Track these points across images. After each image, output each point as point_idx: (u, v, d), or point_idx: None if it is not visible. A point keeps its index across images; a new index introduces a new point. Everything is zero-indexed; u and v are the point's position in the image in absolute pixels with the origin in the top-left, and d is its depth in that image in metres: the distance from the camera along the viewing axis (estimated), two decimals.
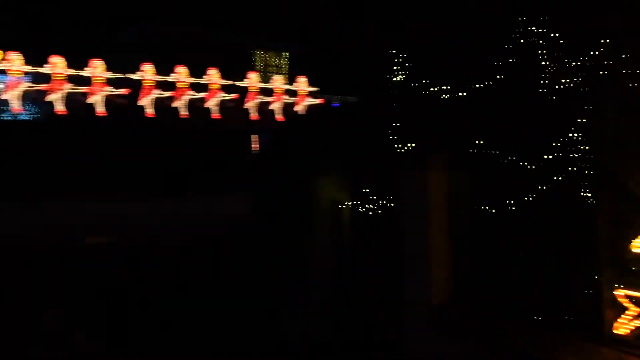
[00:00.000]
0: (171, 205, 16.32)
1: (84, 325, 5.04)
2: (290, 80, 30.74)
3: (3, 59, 20.96)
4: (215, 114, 25.97)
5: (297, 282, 5.14)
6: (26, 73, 22.07)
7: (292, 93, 29.08)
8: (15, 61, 21.24)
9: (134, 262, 8.97)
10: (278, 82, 28.90)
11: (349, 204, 4.70)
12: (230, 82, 26.53)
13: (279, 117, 27.84)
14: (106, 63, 23.64)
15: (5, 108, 30.83)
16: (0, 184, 17.01)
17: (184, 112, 25.11)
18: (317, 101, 30.34)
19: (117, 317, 5.26)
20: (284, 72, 33.09)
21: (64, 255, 9.44)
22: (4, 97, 23.77)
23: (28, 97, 24.19)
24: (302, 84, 29.26)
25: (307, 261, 5.05)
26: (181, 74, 25.30)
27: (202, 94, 25.85)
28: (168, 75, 25.07)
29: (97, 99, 23.12)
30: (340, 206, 4.81)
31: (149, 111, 24.31)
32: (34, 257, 9.26)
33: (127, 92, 24.11)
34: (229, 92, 26.55)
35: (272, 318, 5.10)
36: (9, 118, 30.65)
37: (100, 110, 23.23)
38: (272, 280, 5.54)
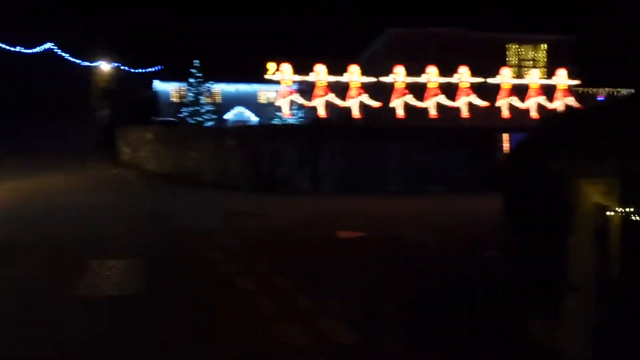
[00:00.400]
0: (417, 203, 16.44)
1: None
2: (549, 74, 28.39)
3: (277, 70, 23.72)
4: (465, 113, 25.41)
5: (549, 291, 4.66)
6: (294, 81, 24.68)
7: (550, 88, 26.75)
8: (286, 71, 23.88)
9: (386, 257, 9.21)
10: (534, 76, 26.86)
11: (620, 210, 4.02)
12: (481, 79, 25.62)
13: (534, 114, 25.91)
14: (361, 68, 25.01)
15: (277, 113, 35.12)
16: (269, 180, 19.38)
17: (433, 113, 25.15)
18: (580, 94, 27.36)
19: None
20: (540, 65, 30.74)
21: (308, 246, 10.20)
22: (276, 103, 27.04)
23: (295, 103, 27.12)
24: (561, 77, 26.67)
25: (564, 270, 4.50)
26: (431, 75, 25.29)
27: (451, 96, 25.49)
28: (419, 76, 25.32)
29: (354, 103, 24.64)
30: (607, 212, 4.16)
31: (400, 112, 24.99)
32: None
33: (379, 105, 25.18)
34: (480, 90, 25.71)
35: (520, 326, 4.73)
36: (279, 122, 34.82)
37: (356, 113, 24.71)
38: (519, 285, 5.11)
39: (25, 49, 49.39)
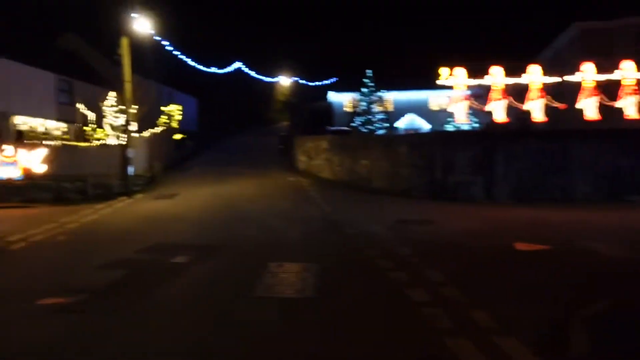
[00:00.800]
0: (609, 214, 14.70)
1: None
2: None
3: (450, 74, 23.13)
4: None
5: None
6: (468, 86, 23.81)
7: None
8: (460, 76, 23.16)
9: (572, 273, 8.37)
10: None
11: None
12: None
13: None
14: (542, 68, 23.28)
15: (449, 120, 34.22)
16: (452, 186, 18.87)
17: (630, 113, 22.41)
18: None
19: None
20: None
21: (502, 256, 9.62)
22: (449, 109, 26.35)
23: (470, 108, 26.13)
24: None
25: None
26: (627, 70, 22.55)
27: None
28: (611, 72, 22.76)
29: (535, 106, 23.01)
30: None
31: (589, 114, 22.72)
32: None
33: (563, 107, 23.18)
34: None
35: None
36: (452, 128, 33.84)
37: (536, 116, 23.05)
38: None
39: (219, 69, 55.09)
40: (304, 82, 63.68)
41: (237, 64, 58.07)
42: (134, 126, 22.88)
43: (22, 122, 30.09)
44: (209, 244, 11.01)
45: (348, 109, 46.48)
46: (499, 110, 23.17)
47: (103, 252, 10.41)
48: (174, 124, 37.11)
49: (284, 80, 64.24)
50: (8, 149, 20.07)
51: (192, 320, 6.28)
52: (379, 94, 43.42)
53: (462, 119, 25.02)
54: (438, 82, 23.56)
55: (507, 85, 23.19)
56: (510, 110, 24.13)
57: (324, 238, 11.85)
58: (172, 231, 12.90)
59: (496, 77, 22.89)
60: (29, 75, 30.27)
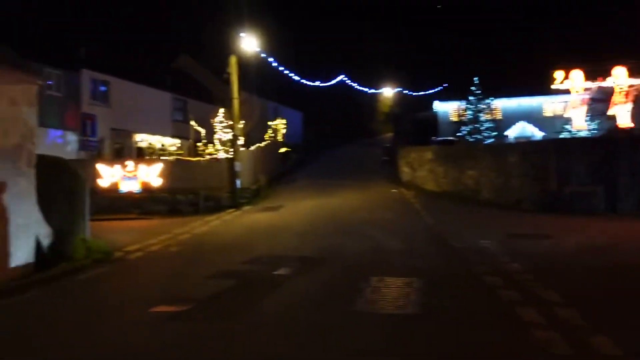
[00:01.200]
0: None
1: None
2: None
3: (565, 78, 21.68)
4: None
5: None
6: (586, 89, 22.15)
7: None
8: (577, 79, 21.63)
9: None
10: None
11: None
12: None
13: None
14: None
15: (565, 126, 32.05)
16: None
17: None
18: None
19: None
20: None
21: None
22: (566, 115, 24.67)
23: (588, 113, 24.27)
24: None
25: None
26: None
27: None
28: None
29: None
30: None
31: None
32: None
33: None
34: None
35: None
36: (568, 135, 31.62)
37: None
38: None
39: (322, 82, 56.02)
40: (407, 92, 62.92)
41: (340, 77, 58.69)
42: (241, 141, 23.76)
43: (141, 139, 32.48)
44: (311, 256, 11.03)
45: (454, 119, 45.13)
46: (623, 115, 21.30)
47: (211, 262, 10.78)
48: (280, 138, 38.14)
49: (388, 91, 63.99)
50: (129, 164, 21.68)
51: (291, 332, 6.24)
52: (486, 101, 41.74)
53: (580, 125, 23.32)
54: (552, 86, 22.16)
55: (631, 87, 21.28)
56: (635, 114, 22.09)
57: (428, 252, 11.44)
58: (275, 243, 13.11)
59: (619, 78, 21.07)
60: (149, 96, 32.66)
